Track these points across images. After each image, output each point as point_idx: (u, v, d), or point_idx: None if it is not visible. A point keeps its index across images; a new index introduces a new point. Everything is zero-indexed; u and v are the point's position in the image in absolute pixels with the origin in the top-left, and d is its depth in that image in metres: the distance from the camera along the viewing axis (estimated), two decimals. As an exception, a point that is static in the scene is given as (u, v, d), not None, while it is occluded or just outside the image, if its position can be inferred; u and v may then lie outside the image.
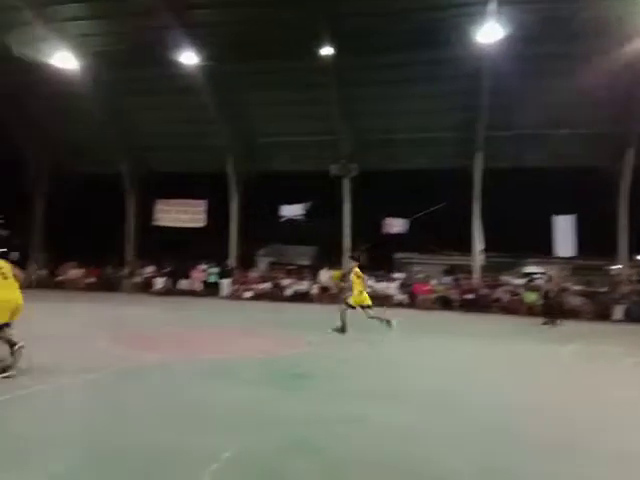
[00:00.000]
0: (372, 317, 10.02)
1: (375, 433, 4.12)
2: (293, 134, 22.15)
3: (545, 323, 14.06)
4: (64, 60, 20.41)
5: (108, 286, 22.66)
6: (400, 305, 19.10)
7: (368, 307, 10.05)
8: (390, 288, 19.92)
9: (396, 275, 21.16)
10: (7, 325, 5.81)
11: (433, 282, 19.89)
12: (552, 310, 14.51)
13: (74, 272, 23.52)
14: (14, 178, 25.74)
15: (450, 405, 5.07)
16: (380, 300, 19.37)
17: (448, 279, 20.47)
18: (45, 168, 25.78)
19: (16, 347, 5.68)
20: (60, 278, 23.54)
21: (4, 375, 5.44)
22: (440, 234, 23.90)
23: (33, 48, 19.58)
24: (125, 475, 3.13)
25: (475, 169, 20.84)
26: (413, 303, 19.29)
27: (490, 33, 17.16)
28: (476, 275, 20.68)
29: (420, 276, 20.78)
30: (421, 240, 23.34)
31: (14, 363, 5.59)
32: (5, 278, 5.91)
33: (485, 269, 21.04)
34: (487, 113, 19.55)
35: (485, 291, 19.23)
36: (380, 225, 22.47)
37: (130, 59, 20.11)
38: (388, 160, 21.79)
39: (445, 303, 19.02)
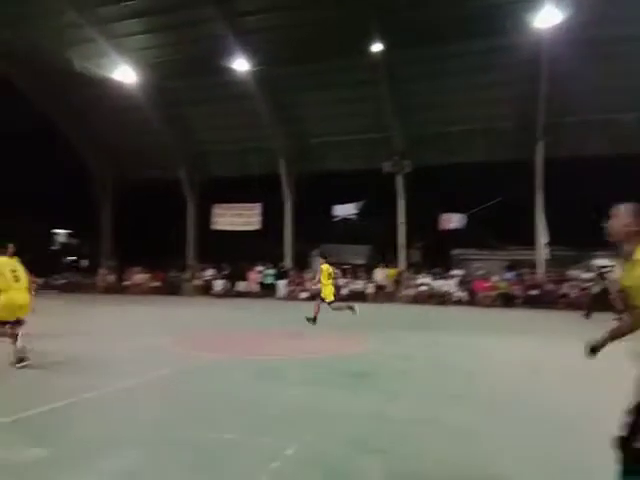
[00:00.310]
0: (336, 309, 10.88)
1: (441, 433, 3.95)
2: (345, 133, 22.09)
3: (586, 315, 13.75)
4: (124, 74, 21.44)
5: (171, 289, 23.52)
6: (459, 303, 18.52)
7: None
8: (448, 285, 19.36)
9: (454, 272, 20.54)
10: (18, 322, 6.32)
11: (494, 278, 19.14)
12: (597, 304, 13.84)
13: (139, 277, 24.60)
14: (81, 191, 27.37)
15: (519, 406, 4.78)
16: (438, 298, 18.96)
17: (510, 275, 19.61)
18: (109, 179, 27.22)
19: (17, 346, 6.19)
20: (126, 283, 24.71)
21: (22, 365, 6.01)
22: (500, 228, 22.97)
23: (95, 64, 20.73)
24: (190, 471, 3.17)
25: (536, 159, 19.89)
26: (473, 301, 18.64)
27: (547, 18, 16.38)
28: (540, 270, 19.71)
29: (480, 272, 20.06)
30: (480, 235, 22.53)
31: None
32: (17, 280, 6.34)
33: (550, 263, 20.00)
34: (547, 100, 18.63)
35: (550, 286, 18.27)
36: (436, 221, 21.92)
37: (185, 69, 20.88)
38: (443, 154, 21.19)
39: (507, 300, 18.23)
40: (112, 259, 27.25)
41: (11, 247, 6.76)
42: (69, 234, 40.49)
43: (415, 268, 21.44)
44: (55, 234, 39.86)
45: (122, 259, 26.80)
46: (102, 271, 25.86)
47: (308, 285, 19.62)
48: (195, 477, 3.09)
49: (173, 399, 4.96)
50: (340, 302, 11.51)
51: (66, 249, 39.74)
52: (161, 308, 16.77)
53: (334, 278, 11.24)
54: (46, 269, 27.21)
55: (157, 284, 24.06)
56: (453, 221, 21.82)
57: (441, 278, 19.95)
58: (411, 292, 19.78)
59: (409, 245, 22.07)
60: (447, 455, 3.48)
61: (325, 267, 11.07)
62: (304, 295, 20.84)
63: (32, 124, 24.73)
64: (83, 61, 20.64)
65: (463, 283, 19.53)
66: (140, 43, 20.77)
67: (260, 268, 22.67)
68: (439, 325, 10.73)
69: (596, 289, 15.71)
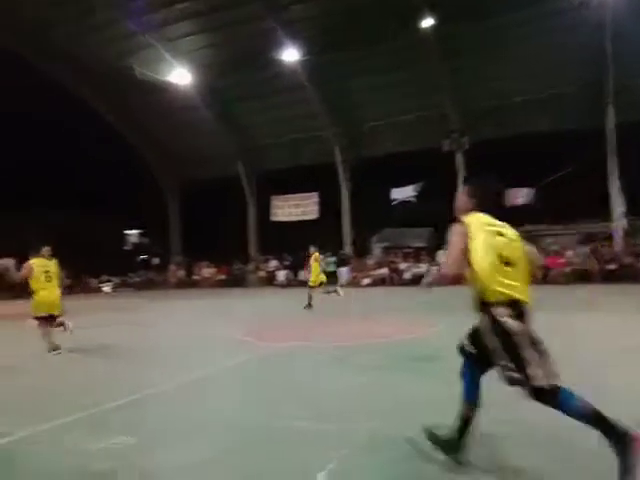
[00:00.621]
0: (327, 292, 12.71)
1: (521, 416, 3.77)
2: (399, 114, 21.65)
3: None
4: (179, 76, 22.15)
5: (236, 282, 24.27)
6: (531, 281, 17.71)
7: (322, 284, 12.92)
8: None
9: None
10: (52, 317, 7.18)
11: (568, 254, 18.10)
12: None
13: (206, 271, 25.59)
14: (150, 192, 28.77)
15: (604, 394, 4.48)
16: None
17: (584, 249, 18.47)
18: (174, 180, 28.41)
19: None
20: (196, 277, 25.78)
21: (56, 352, 6.92)
22: (572, 201, 21.59)
23: (153, 69, 21.56)
24: (263, 458, 3.25)
25: (607, 124, 18.51)
26: (546, 278, 17.74)
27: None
28: (618, 242, 18.40)
29: (552, 248, 19.04)
30: (550, 209, 21.31)
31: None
32: (49, 280, 7.16)
33: (628, 235, 18.62)
34: (614, 62, 17.21)
35: (629, 260, 17.02)
36: (501, 197, 20.97)
37: (237, 66, 21.27)
38: (504, 127, 20.23)
39: (583, 276, 17.21)
40: (181, 255, 28.53)
41: (47, 250, 7.52)
42: (140, 234, 42.73)
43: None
44: (128, 234, 42.21)
45: (190, 255, 28.00)
46: (172, 267, 27.14)
47: (368, 271, 19.55)
48: (267, 463, 3.15)
49: (244, 388, 5.10)
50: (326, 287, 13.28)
51: (138, 248, 42.00)
52: (228, 300, 17.34)
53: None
54: (121, 268, 28.97)
55: (223, 277, 24.91)
56: (520, 196, 20.82)
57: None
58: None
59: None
60: (524, 440, 3.33)
61: (316, 255, 13.04)
62: (367, 281, 20.77)
63: (102, 132, 26.28)
64: (142, 67, 21.53)
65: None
66: (193, 44, 21.36)
67: (321, 256, 22.78)
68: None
69: None
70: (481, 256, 2.68)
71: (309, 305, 12.15)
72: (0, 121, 23.48)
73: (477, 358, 2.87)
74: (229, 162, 25.60)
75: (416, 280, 19.98)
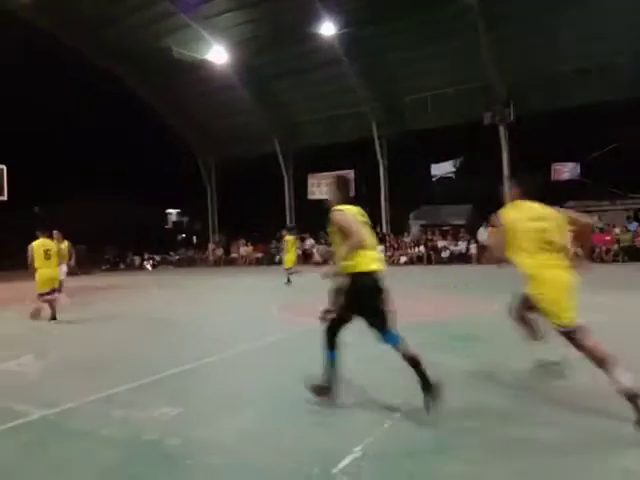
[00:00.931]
0: (291, 273, 13.24)
1: (574, 395, 3.67)
2: (439, 87, 21.01)
3: None
4: (216, 55, 22.14)
5: (273, 260, 24.52)
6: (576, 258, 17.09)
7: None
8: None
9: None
10: (53, 291, 8.33)
11: (616, 231, 17.34)
12: None
13: (244, 249, 25.97)
14: (187, 172, 29.27)
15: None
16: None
17: (634, 225, 17.63)
18: (212, 159, 28.73)
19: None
20: (234, 255, 26.23)
21: (55, 321, 8.00)
22: (620, 175, 20.54)
23: (190, 48, 21.64)
24: (305, 429, 3.33)
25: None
26: (592, 256, 17.10)
27: None
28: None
29: (599, 225, 18.26)
30: (597, 184, 20.36)
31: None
32: (48, 258, 8.19)
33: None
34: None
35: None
36: (546, 173, 20.19)
37: (273, 42, 21.06)
38: (551, 98, 19.27)
39: (632, 253, 16.48)
40: (219, 234, 29.04)
41: (56, 233, 9.36)
42: (179, 213, 43.76)
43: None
44: (168, 214, 43.32)
45: (228, 233, 28.48)
46: (211, 246, 27.70)
47: (405, 249, 19.36)
48: (311, 435, 3.20)
49: (283, 363, 5.17)
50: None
51: (178, 227, 43.10)
52: (265, 278, 17.57)
53: (298, 248, 14.58)
54: (162, 247, 29.82)
55: (259, 255, 25.23)
56: (566, 171, 19.99)
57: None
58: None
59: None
60: (575, 423, 3.24)
61: (289, 238, 13.53)
62: (404, 259, 20.59)
63: (141, 114, 26.80)
64: (180, 47, 21.64)
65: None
66: (229, 21, 21.24)
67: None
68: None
69: None
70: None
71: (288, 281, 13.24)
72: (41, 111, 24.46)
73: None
74: (266, 140, 25.62)
75: (454, 258, 19.68)
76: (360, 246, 3.49)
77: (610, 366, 3.08)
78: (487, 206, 24.37)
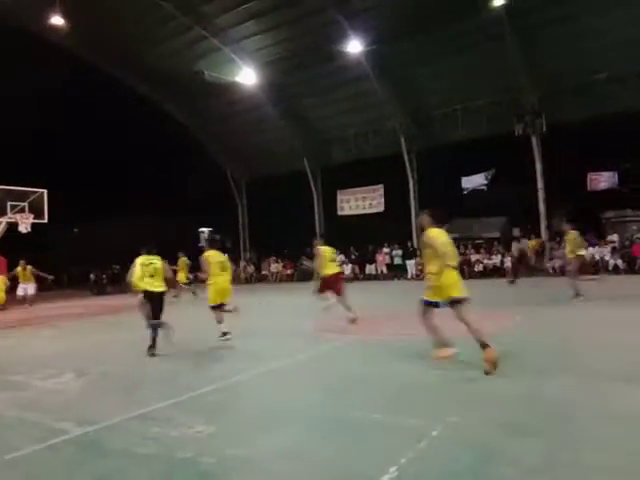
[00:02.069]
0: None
1: (604, 416, 3.51)
2: (468, 99, 20.77)
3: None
4: (245, 76, 22.68)
5: (302, 276, 24.56)
6: (616, 271, 16.47)
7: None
8: (601, 253, 17.32)
9: (608, 238, 18.29)
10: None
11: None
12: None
13: (274, 266, 26.13)
14: (219, 191, 29.86)
15: None
16: (589, 268, 17.05)
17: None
18: (243, 178, 29.23)
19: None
20: (264, 273, 26.42)
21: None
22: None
23: (220, 71, 22.26)
24: (340, 446, 3.27)
25: None
26: (632, 268, 16.44)
27: None
28: None
29: (637, 236, 17.60)
30: (636, 193, 19.64)
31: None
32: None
33: None
34: None
35: None
36: (582, 182, 19.64)
37: (300, 61, 21.47)
38: (584, 107, 18.71)
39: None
40: (250, 251, 29.35)
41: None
42: (212, 231, 44.51)
43: (560, 236, 19.51)
44: (200, 232, 44.11)
45: (259, 250, 28.75)
46: (242, 263, 27.99)
47: (532, 260, 19.08)
48: (344, 455, 3.15)
49: (318, 380, 5.14)
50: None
51: (210, 245, 43.75)
52: (295, 294, 17.59)
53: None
54: (195, 264, 30.29)
55: (289, 272, 25.33)
56: (602, 180, 19.38)
57: (593, 245, 17.92)
58: (557, 263, 18.09)
59: (551, 212, 20.16)
60: (611, 441, 3.09)
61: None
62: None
63: (174, 136, 27.66)
64: (211, 70, 22.29)
65: (619, 249, 17.32)
66: (257, 44, 21.77)
67: (387, 250, 22.56)
68: (592, 297, 9.59)
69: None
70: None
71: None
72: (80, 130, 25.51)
73: None
74: (295, 157, 25.89)
75: (488, 272, 19.27)
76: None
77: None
78: (521, 218, 23.82)
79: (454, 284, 4.98)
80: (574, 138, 19.92)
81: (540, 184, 19.97)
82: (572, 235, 10.23)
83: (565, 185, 19.90)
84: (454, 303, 4.93)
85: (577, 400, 3.89)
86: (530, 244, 19.06)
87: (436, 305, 5.12)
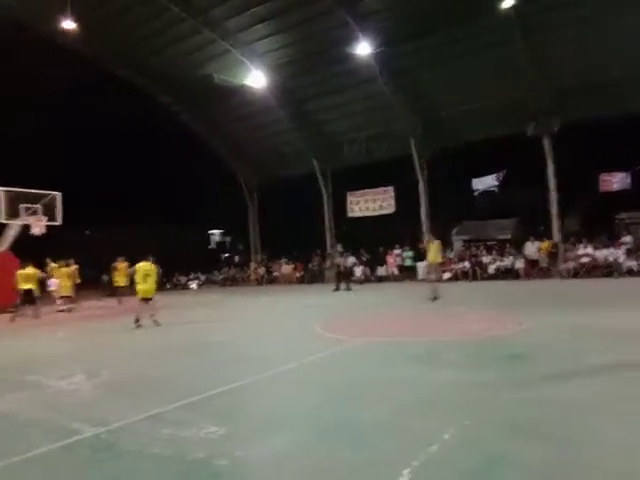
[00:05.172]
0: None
1: (616, 419, 3.47)
2: (479, 100, 20.59)
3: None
4: (254, 79, 22.78)
5: (313, 278, 24.60)
6: (630, 273, 16.26)
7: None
8: (615, 255, 17.11)
9: (622, 239, 18.07)
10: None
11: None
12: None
13: (285, 268, 26.19)
14: (229, 194, 30.04)
15: None
16: (603, 270, 16.88)
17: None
18: (253, 180, 29.34)
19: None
20: (275, 274, 26.49)
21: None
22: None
23: (230, 74, 22.38)
24: (349, 448, 3.26)
25: None
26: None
27: None
28: None
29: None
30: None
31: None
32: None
33: None
34: None
35: None
36: (595, 183, 19.43)
37: (309, 64, 21.51)
38: (597, 107, 18.45)
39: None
40: (261, 253, 29.46)
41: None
42: (222, 234, 44.81)
43: (574, 238, 19.33)
44: (211, 234, 44.44)
45: (270, 252, 28.87)
46: (253, 265, 28.09)
47: (545, 262, 18.82)
48: (356, 457, 3.15)
49: (328, 382, 5.14)
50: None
51: (221, 247, 44.09)
52: (306, 296, 17.62)
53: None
54: (207, 266, 30.55)
55: (300, 274, 25.37)
56: (616, 181, 19.15)
57: (606, 247, 17.72)
58: (570, 265, 17.92)
59: (564, 213, 19.98)
60: (624, 445, 3.05)
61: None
62: (447, 275, 20.16)
63: (185, 139, 27.90)
64: (220, 73, 22.42)
65: (633, 251, 17.09)
66: (266, 46, 21.85)
67: (398, 251, 22.50)
68: (606, 301, 9.50)
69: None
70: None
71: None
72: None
73: None
74: (305, 160, 25.93)
75: (501, 274, 19.14)
76: None
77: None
78: (533, 219, 23.71)
79: None
80: (586, 139, 19.74)
81: (552, 185, 19.78)
82: (435, 245, 12.12)
83: (577, 186, 19.71)
84: None
85: (589, 403, 3.85)
86: (542, 246, 18.89)
87: None
